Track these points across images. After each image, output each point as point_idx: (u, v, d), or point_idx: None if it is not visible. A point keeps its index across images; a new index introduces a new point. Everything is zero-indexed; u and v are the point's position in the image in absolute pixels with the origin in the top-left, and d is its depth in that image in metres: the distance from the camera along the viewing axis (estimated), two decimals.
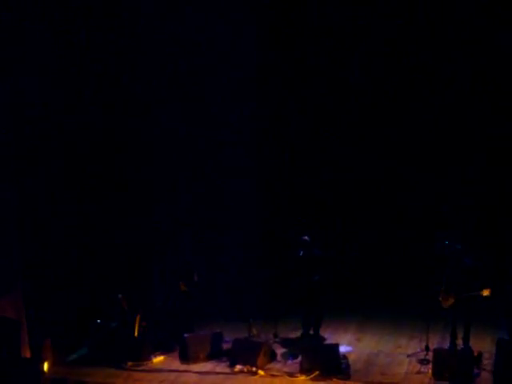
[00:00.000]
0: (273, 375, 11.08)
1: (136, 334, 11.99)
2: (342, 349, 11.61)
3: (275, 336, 12.44)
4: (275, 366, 11.39)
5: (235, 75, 14.14)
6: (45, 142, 12.32)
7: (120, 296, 12.32)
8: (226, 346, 11.96)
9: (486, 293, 10.92)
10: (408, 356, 11.57)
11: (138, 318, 12.04)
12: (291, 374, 11.05)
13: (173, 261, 13.14)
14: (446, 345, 11.51)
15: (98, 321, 12.31)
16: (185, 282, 12.57)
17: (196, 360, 11.69)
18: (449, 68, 13.92)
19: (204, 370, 11.42)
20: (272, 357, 11.62)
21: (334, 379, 10.78)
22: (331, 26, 14.21)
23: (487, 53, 13.58)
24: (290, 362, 11.56)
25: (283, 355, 11.77)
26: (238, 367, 11.29)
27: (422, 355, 11.40)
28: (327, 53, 14.37)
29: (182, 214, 14.16)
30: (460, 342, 11.41)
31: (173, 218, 14.04)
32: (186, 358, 11.75)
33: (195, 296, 12.65)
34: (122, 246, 13.32)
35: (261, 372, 11.14)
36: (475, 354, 11.05)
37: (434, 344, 11.54)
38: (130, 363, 11.64)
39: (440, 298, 11.31)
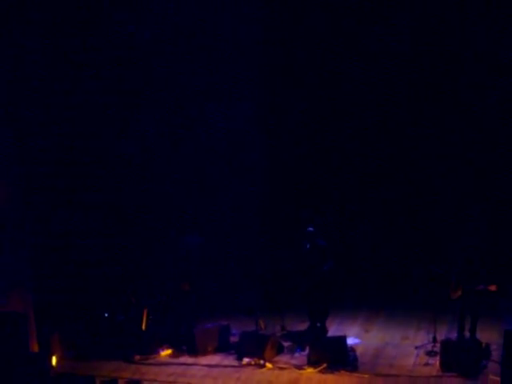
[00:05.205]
0: (280, 368, 11.10)
1: (143, 327, 12.02)
2: (350, 341, 11.61)
3: (282, 328, 12.45)
4: (282, 359, 11.40)
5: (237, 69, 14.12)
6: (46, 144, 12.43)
7: (127, 289, 12.35)
8: (233, 339, 11.99)
9: (492, 288, 10.92)
10: (416, 348, 11.55)
11: (145, 312, 12.07)
12: (299, 367, 11.05)
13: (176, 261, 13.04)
14: (454, 336, 11.50)
15: (106, 314, 12.34)
16: (189, 282, 12.54)
17: (204, 353, 11.72)
18: None
19: (212, 362, 11.44)
20: (279, 349, 11.63)
21: (342, 371, 10.78)
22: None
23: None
24: (297, 354, 11.56)
25: (290, 348, 11.78)
26: (246, 360, 11.31)
27: (429, 347, 11.39)
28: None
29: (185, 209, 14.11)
30: (467, 334, 11.41)
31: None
32: (193, 351, 11.78)
33: (197, 296, 12.62)
34: (128, 241, 13.34)
35: (268, 365, 11.16)
36: (483, 345, 11.04)
37: (441, 335, 11.52)
38: (137, 357, 11.66)
39: (450, 290, 11.28)
